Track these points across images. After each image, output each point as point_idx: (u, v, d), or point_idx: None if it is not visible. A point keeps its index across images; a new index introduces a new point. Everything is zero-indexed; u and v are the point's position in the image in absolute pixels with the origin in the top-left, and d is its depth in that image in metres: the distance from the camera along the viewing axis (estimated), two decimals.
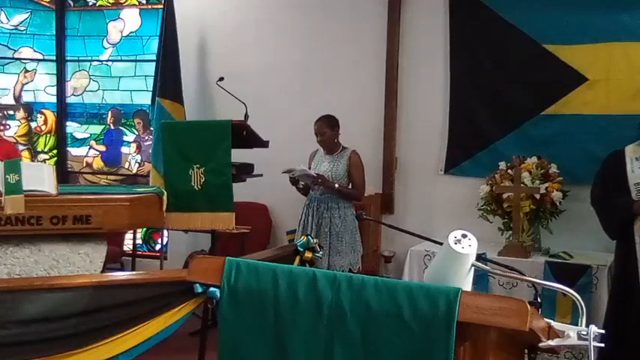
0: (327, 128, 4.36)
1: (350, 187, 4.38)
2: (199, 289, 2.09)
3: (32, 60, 6.44)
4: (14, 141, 6.28)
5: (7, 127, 6.38)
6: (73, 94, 6.46)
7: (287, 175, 4.30)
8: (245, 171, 4.52)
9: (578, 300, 1.69)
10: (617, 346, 3.39)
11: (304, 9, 5.40)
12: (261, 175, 4.71)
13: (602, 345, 1.61)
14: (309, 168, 4.45)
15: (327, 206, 4.30)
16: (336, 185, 4.26)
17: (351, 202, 4.39)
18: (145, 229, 6.03)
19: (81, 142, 6.49)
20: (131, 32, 6.28)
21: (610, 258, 4.16)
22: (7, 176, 3.17)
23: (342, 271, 4.19)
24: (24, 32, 6.40)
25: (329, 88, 5.29)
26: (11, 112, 6.42)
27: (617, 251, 3.78)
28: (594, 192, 3.81)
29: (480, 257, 1.96)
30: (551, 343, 1.67)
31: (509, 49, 4.72)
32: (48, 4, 6.40)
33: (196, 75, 5.75)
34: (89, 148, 6.47)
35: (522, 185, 4.25)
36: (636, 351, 3.47)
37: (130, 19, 6.29)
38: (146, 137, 6.24)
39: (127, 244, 5.99)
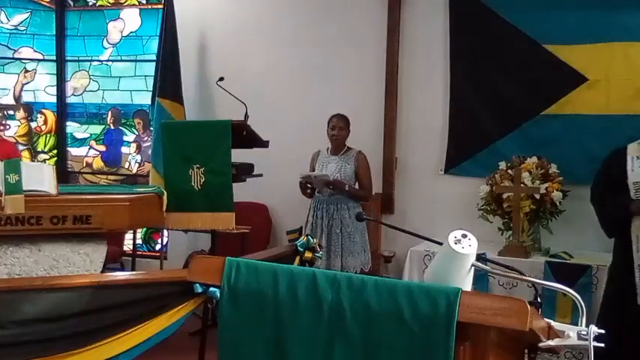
0: (344, 125, 4.44)
1: (357, 187, 4.44)
2: (199, 289, 2.09)
3: (32, 60, 6.44)
4: (14, 141, 6.28)
5: (7, 127, 6.38)
6: (73, 94, 6.46)
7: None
8: (245, 171, 4.51)
9: (578, 300, 1.69)
10: (611, 346, 3.38)
11: (304, 9, 5.40)
12: (261, 175, 4.71)
13: (602, 345, 1.61)
14: (314, 169, 4.49)
15: (337, 207, 4.33)
16: (347, 187, 4.30)
17: (359, 202, 4.43)
18: (145, 229, 6.03)
19: (81, 142, 6.49)
20: (131, 32, 6.28)
21: (610, 258, 4.17)
22: (7, 176, 3.17)
23: (355, 271, 4.22)
24: (24, 32, 6.40)
25: (329, 88, 5.29)
26: (11, 112, 6.42)
27: (614, 250, 3.77)
28: (594, 189, 3.78)
29: (480, 257, 1.96)
30: (551, 343, 1.67)
31: (509, 49, 4.72)
32: (48, 4, 6.40)
33: (196, 75, 5.75)
34: (89, 148, 6.47)
35: (522, 185, 4.25)
36: (630, 352, 3.46)
37: (130, 19, 6.29)
38: (146, 137, 6.24)
39: (127, 244, 5.99)
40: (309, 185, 4.41)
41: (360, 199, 4.44)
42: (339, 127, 4.42)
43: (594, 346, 1.60)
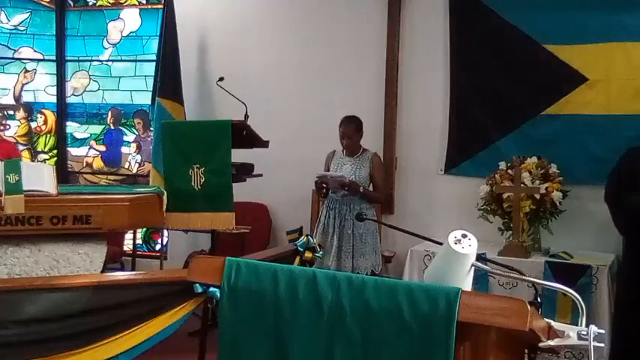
0: (354, 132, 4.38)
1: (371, 188, 4.41)
2: (199, 289, 2.09)
3: (32, 60, 6.44)
4: (14, 141, 6.28)
5: (7, 127, 6.38)
6: (73, 94, 6.46)
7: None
8: (245, 171, 4.51)
9: (578, 300, 1.69)
10: (630, 347, 3.39)
11: (305, 9, 5.40)
12: (261, 175, 4.70)
13: (602, 345, 1.61)
14: (328, 169, 4.47)
15: (350, 208, 4.30)
16: (361, 189, 4.29)
17: (373, 204, 4.42)
18: (145, 229, 6.03)
19: (81, 142, 6.49)
20: (131, 32, 6.28)
21: (610, 258, 4.17)
22: (7, 176, 3.17)
23: (366, 273, 4.20)
24: (24, 32, 6.40)
25: (329, 88, 5.29)
26: (11, 112, 6.42)
27: (626, 251, 3.75)
28: (609, 187, 3.78)
29: (480, 257, 1.96)
30: (551, 343, 1.67)
31: (509, 49, 4.72)
32: (48, 4, 6.40)
33: (196, 75, 5.75)
34: (89, 148, 6.48)
35: (522, 185, 4.25)
36: None
37: (130, 19, 6.29)
38: (146, 137, 6.24)
39: (127, 244, 5.99)
40: (324, 185, 4.37)
41: (374, 201, 4.43)
42: (348, 136, 4.35)
43: (595, 346, 1.60)
